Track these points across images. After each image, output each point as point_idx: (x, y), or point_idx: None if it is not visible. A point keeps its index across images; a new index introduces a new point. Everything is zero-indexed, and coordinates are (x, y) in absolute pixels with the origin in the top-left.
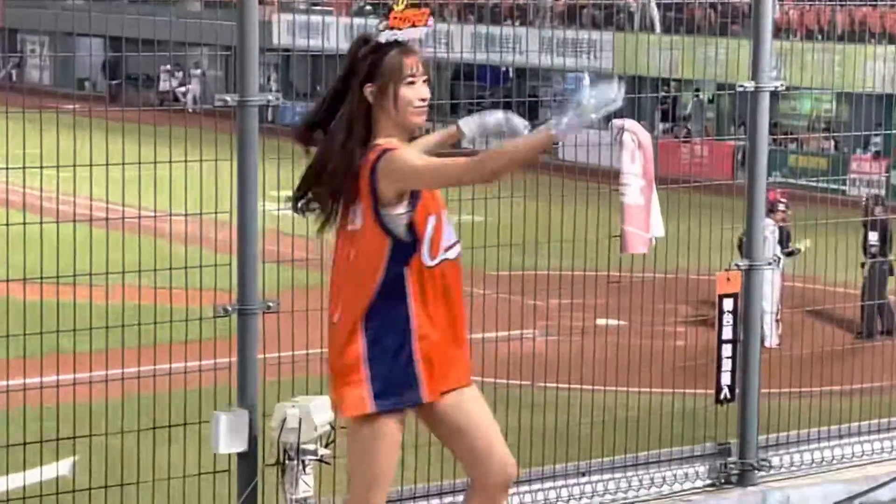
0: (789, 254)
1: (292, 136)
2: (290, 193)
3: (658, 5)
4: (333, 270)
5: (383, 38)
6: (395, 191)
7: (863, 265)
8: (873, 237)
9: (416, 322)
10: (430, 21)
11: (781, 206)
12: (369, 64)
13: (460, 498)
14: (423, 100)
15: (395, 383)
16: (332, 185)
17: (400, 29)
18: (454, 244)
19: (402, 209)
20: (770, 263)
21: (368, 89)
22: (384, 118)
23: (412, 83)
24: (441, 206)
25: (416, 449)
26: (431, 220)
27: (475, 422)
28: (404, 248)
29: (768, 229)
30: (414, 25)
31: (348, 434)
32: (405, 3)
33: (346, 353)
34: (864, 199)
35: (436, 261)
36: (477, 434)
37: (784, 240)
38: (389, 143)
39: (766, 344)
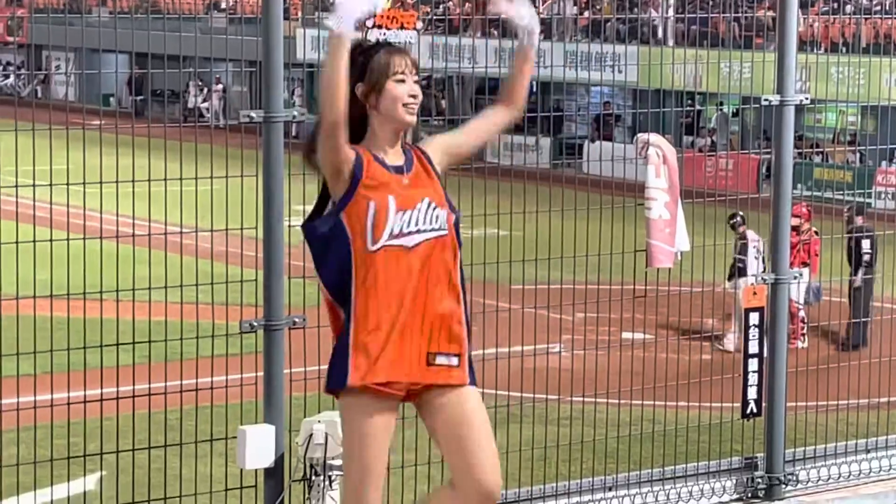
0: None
1: (302, 155)
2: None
3: (682, 20)
4: None
5: (372, 36)
6: (329, 175)
7: (853, 276)
8: (866, 244)
9: (354, 308)
10: (419, 25)
11: (738, 219)
12: (360, 64)
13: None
14: (414, 97)
15: (336, 364)
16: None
17: (388, 28)
18: (414, 232)
19: (337, 198)
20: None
21: (360, 89)
22: (375, 118)
23: (402, 81)
24: (388, 192)
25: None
26: (371, 206)
27: (455, 432)
28: (338, 234)
29: (753, 243)
30: (403, 27)
31: None
32: (391, 1)
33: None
34: (845, 209)
35: (377, 246)
36: (459, 445)
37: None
38: (357, 145)
39: (731, 348)
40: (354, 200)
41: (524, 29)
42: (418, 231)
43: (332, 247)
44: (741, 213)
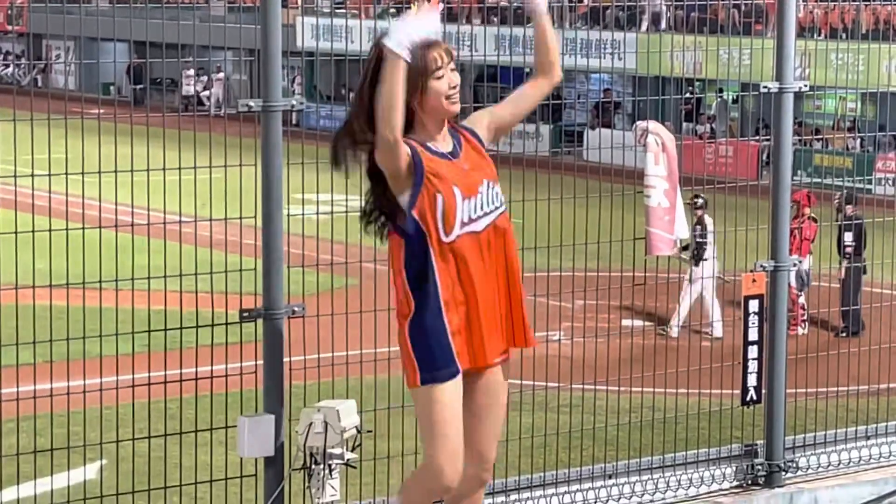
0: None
1: (332, 151)
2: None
3: (681, 6)
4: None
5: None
6: (390, 176)
7: (839, 265)
8: (848, 237)
9: (442, 297)
10: (448, 27)
11: (700, 201)
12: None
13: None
14: (454, 87)
15: (434, 358)
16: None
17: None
18: (482, 216)
19: (406, 197)
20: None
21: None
22: (421, 114)
23: (441, 76)
24: (452, 182)
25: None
26: (439, 198)
27: (474, 411)
28: (416, 232)
29: (710, 230)
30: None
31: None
32: (418, 4)
33: (400, 337)
34: (835, 196)
35: (451, 237)
36: (469, 422)
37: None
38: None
39: (717, 334)
40: (422, 194)
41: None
42: (485, 214)
43: (412, 240)
44: (704, 196)
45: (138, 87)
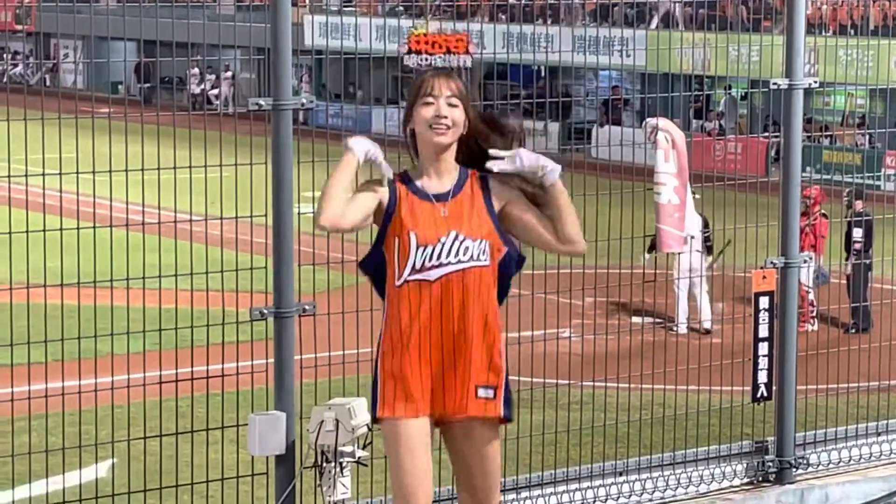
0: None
1: None
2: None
3: (690, 3)
4: None
5: (410, 62)
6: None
7: (847, 261)
8: (857, 233)
9: (385, 339)
10: (472, 48)
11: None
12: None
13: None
14: (441, 117)
15: (373, 396)
16: None
17: (430, 54)
18: (436, 265)
19: (378, 232)
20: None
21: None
22: (418, 140)
23: (429, 103)
24: (413, 226)
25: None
26: (396, 242)
27: (464, 469)
28: (375, 270)
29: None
30: (450, 52)
31: None
32: (425, 28)
33: None
34: (843, 193)
35: (400, 281)
36: (461, 481)
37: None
38: (400, 175)
39: (706, 325)
40: (387, 234)
41: (535, 174)
42: (440, 265)
43: (378, 278)
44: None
45: (146, 85)
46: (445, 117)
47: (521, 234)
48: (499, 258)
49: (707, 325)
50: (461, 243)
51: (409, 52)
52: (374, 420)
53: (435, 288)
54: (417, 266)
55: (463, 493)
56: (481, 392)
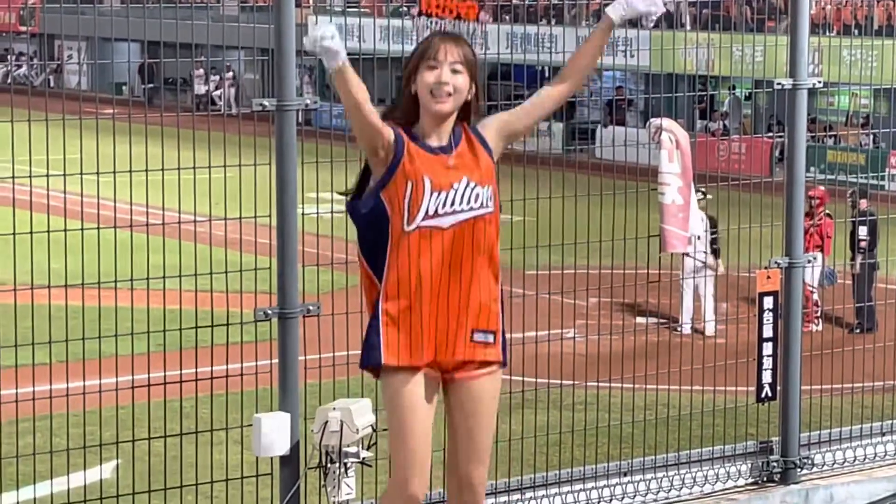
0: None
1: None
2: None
3: (694, 3)
4: None
5: (420, 23)
6: (368, 155)
7: (852, 260)
8: (862, 231)
9: (389, 284)
10: (484, 15)
11: (699, 195)
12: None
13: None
14: (442, 84)
15: (369, 343)
16: None
17: (440, 17)
18: (450, 213)
19: (378, 178)
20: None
21: (406, 72)
22: (420, 104)
23: (433, 67)
24: (425, 172)
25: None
26: (409, 186)
27: (452, 428)
28: (371, 214)
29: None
30: (460, 17)
31: None
32: None
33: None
34: (847, 193)
35: (412, 226)
36: (454, 436)
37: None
38: (399, 125)
39: (709, 328)
40: (394, 179)
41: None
42: (454, 212)
43: (372, 224)
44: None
45: (149, 86)
46: (447, 83)
47: (530, 125)
48: (499, 203)
49: (710, 328)
50: (472, 190)
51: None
52: (376, 367)
53: (447, 235)
54: (431, 212)
55: (451, 478)
56: (479, 336)
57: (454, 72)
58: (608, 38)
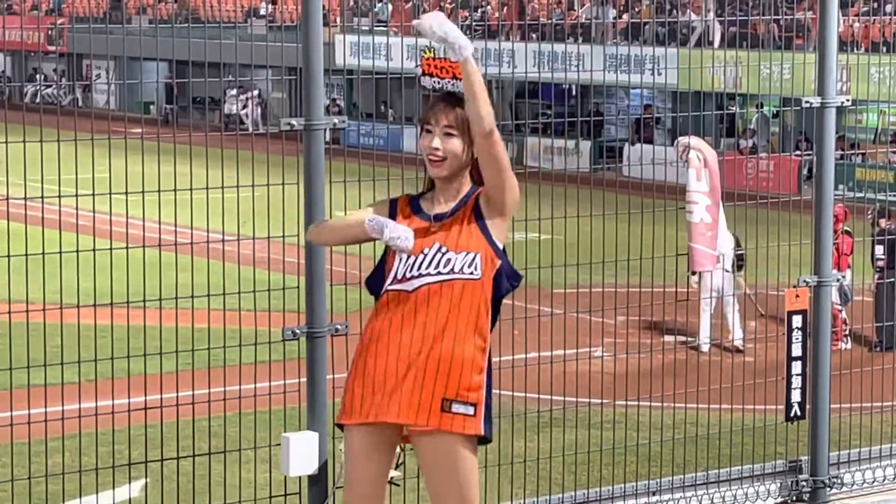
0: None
1: None
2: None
3: (721, 21)
4: None
5: (426, 83)
6: None
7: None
8: (879, 250)
9: (360, 344)
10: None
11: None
12: None
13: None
14: (434, 149)
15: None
16: None
17: (441, 78)
18: (416, 276)
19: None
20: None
21: None
22: None
23: (429, 132)
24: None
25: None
26: (389, 253)
27: (437, 492)
28: (375, 289)
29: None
30: (455, 77)
31: None
32: (433, 51)
33: None
34: (867, 211)
35: (382, 290)
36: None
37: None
38: (405, 195)
39: (738, 343)
40: (387, 253)
41: (443, 43)
42: (419, 275)
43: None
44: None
45: (170, 106)
46: (438, 149)
47: (492, 181)
48: (493, 271)
49: (739, 343)
50: (443, 255)
51: (423, 74)
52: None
53: (412, 297)
54: (399, 276)
55: None
56: (458, 407)
57: (447, 135)
58: (472, 76)
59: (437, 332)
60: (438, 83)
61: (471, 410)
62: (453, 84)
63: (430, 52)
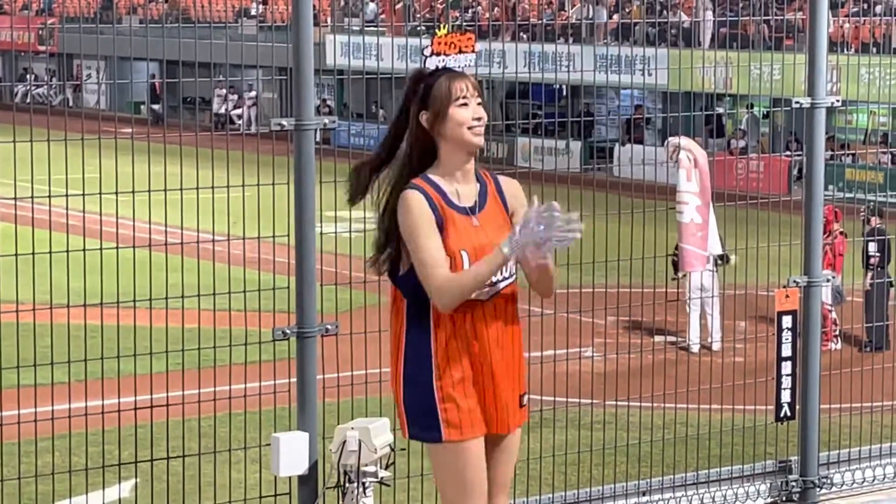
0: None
1: (354, 181)
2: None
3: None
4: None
5: (431, 64)
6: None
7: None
8: (872, 248)
9: (439, 359)
10: (478, 46)
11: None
12: (422, 92)
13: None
14: (478, 119)
15: (422, 417)
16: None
17: (447, 55)
18: (492, 283)
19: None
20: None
21: (424, 117)
22: (443, 145)
23: (465, 104)
24: (462, 245)
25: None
26: (447, 262)
27: (490, 476)
28: (414, 291)
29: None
30: (461, 51)
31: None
32: (446, 27)
33: (393, 382)
34: (861, 209)
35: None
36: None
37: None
38: (423, 181)
39: (715, 347)
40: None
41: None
42: (491, 284)
43: (409, 299)
44: None
45: (156, 106)
46: (481, 118)
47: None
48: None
49: (716, 345)
50: None
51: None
52: (433, 441)
53: (488, 307)
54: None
55: None
56: (525, 400)
57: (479, 104)
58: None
59: (510, 333)
60: (442, 61)
61: (526, 400)
62: (455, 59)
63: (442, 29)
